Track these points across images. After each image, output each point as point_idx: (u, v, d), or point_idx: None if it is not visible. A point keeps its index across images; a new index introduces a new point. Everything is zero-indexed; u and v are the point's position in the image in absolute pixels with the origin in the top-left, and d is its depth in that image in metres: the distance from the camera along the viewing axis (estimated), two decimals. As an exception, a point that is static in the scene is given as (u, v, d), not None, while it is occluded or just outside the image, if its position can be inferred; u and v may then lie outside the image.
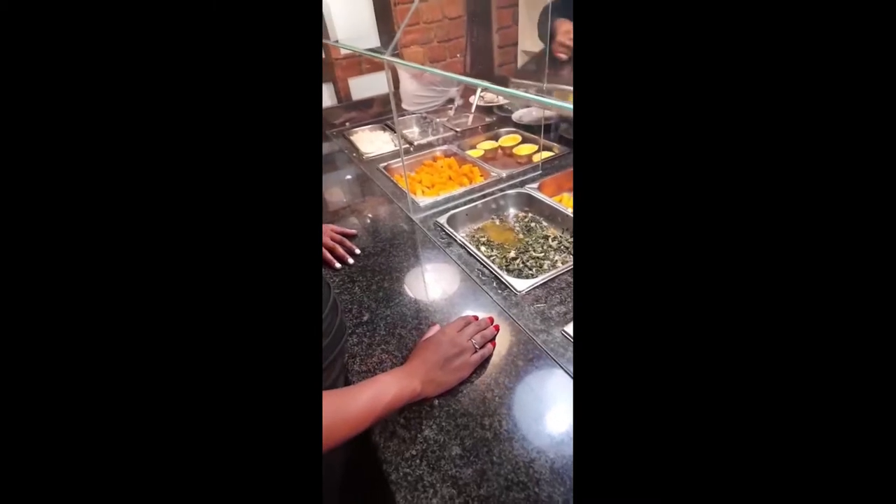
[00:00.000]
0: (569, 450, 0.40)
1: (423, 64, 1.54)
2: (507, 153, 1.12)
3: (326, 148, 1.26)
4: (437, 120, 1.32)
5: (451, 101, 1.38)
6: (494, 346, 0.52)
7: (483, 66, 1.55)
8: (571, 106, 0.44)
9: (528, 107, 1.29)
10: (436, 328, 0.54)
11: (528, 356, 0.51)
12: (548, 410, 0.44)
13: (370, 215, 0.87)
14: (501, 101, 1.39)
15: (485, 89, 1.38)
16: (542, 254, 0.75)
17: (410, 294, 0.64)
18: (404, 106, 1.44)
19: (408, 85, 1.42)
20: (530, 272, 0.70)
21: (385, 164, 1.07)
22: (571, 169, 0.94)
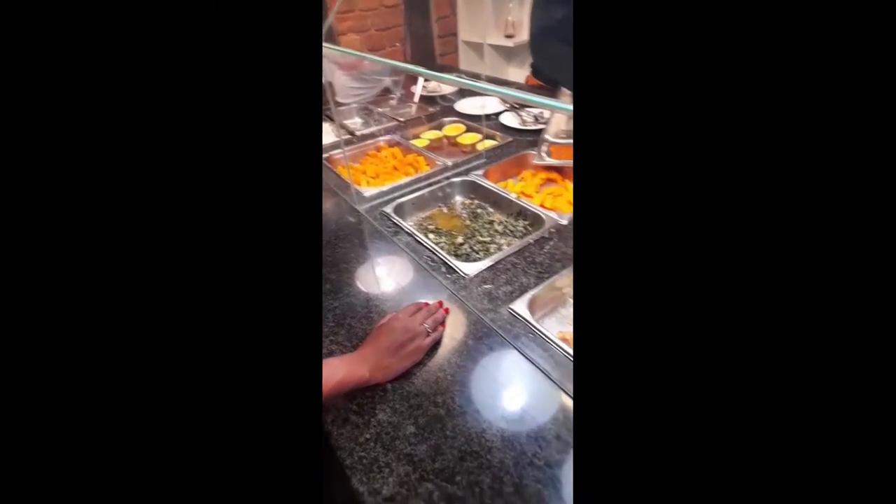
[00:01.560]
0: (517, 418, 0.43)
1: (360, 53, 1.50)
2: (452, 142, 1.13)
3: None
4: (379, 110, 1.31)
5: (387, 90, 1.36)
6: (444, 328, 0.53)
7: (424, 55, 1.54)
8: (528, 96, 0.45)
9: (470, 96, 1.31)
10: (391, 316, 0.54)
11: (477, 335, 0.53)
12: (497, 384, 0.46)
13: (314, 208, 0.85)
14: (445, 90, 1.39)
15: (428, 78, 1.37)
16: (489, 238, 0.77)
17: (359, 284, 0.63)
18: (339, 98, 1.40)
19: (339, 77, 1.39)
20: (478, 256, 0.72)
21: (326, 155, 1.04)
22: (514, 156, 0.97)
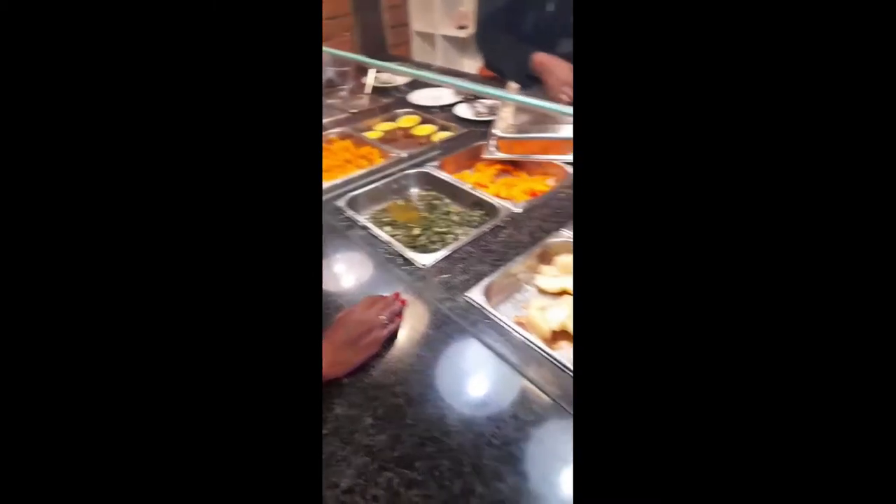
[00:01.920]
0: (476, 402, 0.44)
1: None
2: (407, 134, 1.12)
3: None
4: (330, 102, 1.27)
5: (330, 82, 1.32)
6: (402, 319, 0.53)
7: (375, 45, 1.51)
8: (477, 87, 0.45)
9: (423, 88, 1.30)
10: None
11: (435, 324, 0.53)
12: (456, 370, 0.47)
13: (264, 204, 0.81)
14: (398, 81, 1.37)
15: (380, 69, 1.35)
16: (446, 228, 0.78)
17: (314, 280, 0.62)
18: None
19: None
20: (435, 247, 0.73)
21: (276, 149, 1.00)
22: (469, 147, 0.98)
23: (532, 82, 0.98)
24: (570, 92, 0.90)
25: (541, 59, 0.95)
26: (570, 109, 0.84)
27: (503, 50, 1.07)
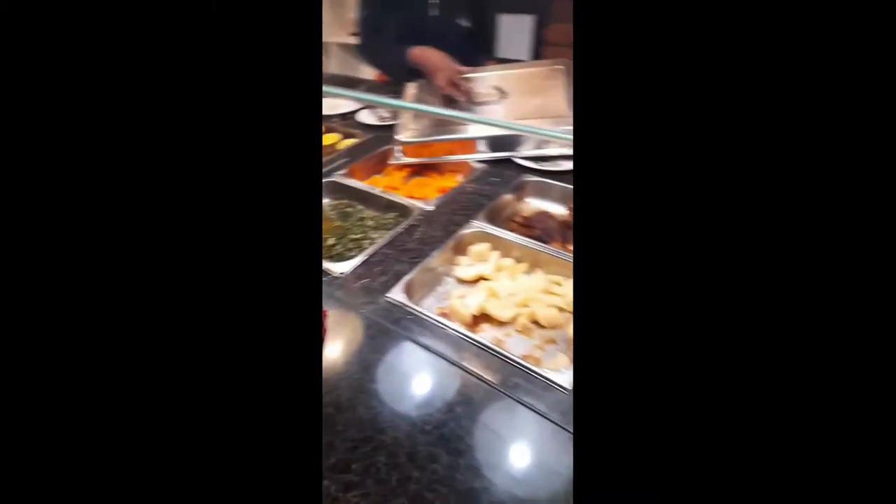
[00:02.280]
0: (406, 395, 0.45)
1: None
2: (310, 145, 1.09)
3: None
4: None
5: None
6: (325, 331, 0.53)
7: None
8: (370, 97, 0.46)
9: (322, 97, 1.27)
10: None
11: (359, 329, 0.53)
12: (384, 369, 0.48)
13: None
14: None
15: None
16: (361, 234, 0.78)
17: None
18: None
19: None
20: (352, 254, 0.72)
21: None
22: (377, 152, 0.98)
23: (415, 76, 1.03)
24: (443, 79, 0.95)
25: (416, 51, 1.00)
26: (459, 112, 0.89)
27: (382, 52, 1.11)
